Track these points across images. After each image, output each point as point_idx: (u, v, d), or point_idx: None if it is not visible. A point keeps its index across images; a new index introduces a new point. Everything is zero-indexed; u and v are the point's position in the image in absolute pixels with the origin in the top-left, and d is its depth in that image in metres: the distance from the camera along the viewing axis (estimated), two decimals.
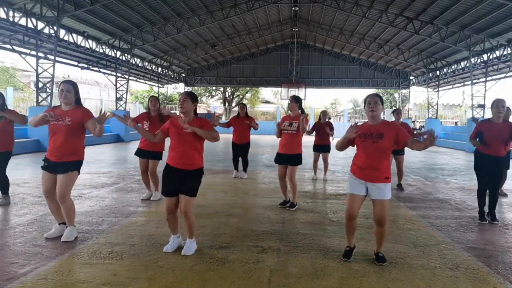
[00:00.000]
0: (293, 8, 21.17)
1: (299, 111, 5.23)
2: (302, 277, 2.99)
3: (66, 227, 3.76)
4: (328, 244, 3.80)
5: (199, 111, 40.19)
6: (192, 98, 3.47)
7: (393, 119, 6.93)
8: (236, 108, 41.83)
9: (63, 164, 3.63)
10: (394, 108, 6.95)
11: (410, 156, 13.96)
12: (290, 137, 5.17)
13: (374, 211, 3.27)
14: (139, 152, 5.64)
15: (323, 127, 7.75)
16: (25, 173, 7.69)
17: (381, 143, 3.16)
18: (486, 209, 4.89)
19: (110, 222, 4.39)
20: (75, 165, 3.71)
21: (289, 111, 5.47)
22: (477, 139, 4.85)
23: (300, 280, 2.93)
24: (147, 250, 3.49)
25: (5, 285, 2.73)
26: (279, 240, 3.87)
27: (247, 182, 7.55)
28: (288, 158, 5.20)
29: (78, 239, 3.74)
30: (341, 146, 3.44)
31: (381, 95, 3.23)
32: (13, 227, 4.10)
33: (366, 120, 3.42)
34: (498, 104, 4.59)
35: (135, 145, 17.46)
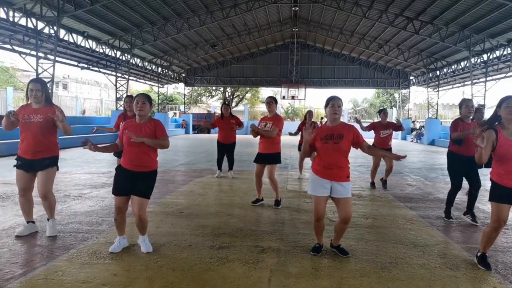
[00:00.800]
0: (293, 8, 21.18)
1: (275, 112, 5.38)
2: (302, 277, 2.99)
3: (48, 219, 3.86)
4: (328, 244, 3.79)
5: (199, 111, 40.35)
6: (149, 100, 3.50)
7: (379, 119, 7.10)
8: (236, 108, 42.03)
9: (40, 161, 3.68)
10: (380, 108, 7.02)
11: (411, 156, 13.97)
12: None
13: (341, 210, 3.32)
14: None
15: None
16: None
17: (342, 144, 3.28)
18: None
19: (110, 222, 4.38)
20: (53, 161, 3.78)
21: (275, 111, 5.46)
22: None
23: (300, 280, 2.93)
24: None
25: (5, 285, 2.73)
26: (279, 240, 3.87)
27: (247, 182, 7.54)
28: (266, 157, 5.30)
29: (78, 239, 3.74)
30: (305, 152, 3.52)
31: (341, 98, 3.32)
32: (13, 227, 4.10)
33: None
34: (468, 104, 4.64)
35: None
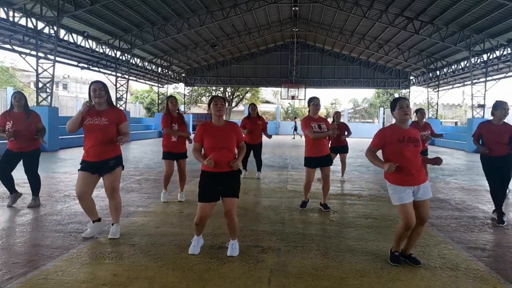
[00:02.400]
0: (293, 8, 21.18)
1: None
2: (302, 277, 2.99)
3: (112, 224, 3.84)
4: (328, 244, 3.80)
5: (199, 111, 40.35)
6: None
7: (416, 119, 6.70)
8: (236, 108, 41.99)
9: (105, 162, 3.70)
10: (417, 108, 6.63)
11: None
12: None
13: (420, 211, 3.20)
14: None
15: (339, 129, 7.72)
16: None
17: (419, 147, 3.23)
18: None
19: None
20: (118, 161, 3.84)
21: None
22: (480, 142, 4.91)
23: (300, 280, 2.93)
24: (147, 250, 3.49)
25: (5, 285, 2.73)
26: (279, 240, 3.87)
27: (247, 182, 7.54)
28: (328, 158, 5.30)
29: (78, 239, 3.74)
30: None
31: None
32: (13, 227, 4.10)
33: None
34: (505, 107, 4.66)
35: (135, 145, 17.47)
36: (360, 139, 23.71)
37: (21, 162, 5.03)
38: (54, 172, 8.17)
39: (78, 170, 3.70)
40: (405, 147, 3.13)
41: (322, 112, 32.91)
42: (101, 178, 3.77)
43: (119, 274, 2.95)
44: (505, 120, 4.83)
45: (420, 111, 6.72)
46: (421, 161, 3.22)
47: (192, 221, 3.73)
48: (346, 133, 7.92)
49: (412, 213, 3.11)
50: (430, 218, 4.94)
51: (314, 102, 5.10)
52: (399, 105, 3.20)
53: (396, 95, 37.15)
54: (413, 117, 6.79)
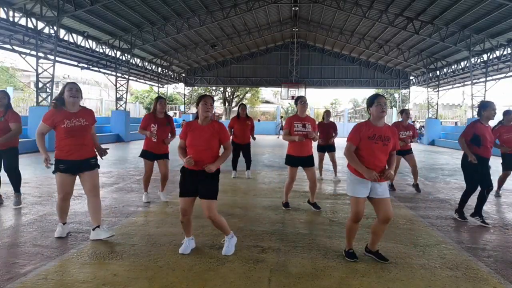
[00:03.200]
0: (293, 8, 21.18)
1: None
2: (302, 277, 2.99)
3: (98, 227, 3.76)
4: (328, 244, 3.80)
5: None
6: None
7: (401, 119, 6.76)
8: (236, 108, 41.89)
9: (86, 161, 3.72)
10: (402, 108, 6.61)
11: None
12: None
13: (379, 210, 3.27)
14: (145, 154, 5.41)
15: (326, 128, 7.75)
16: (25, 173, 7.66)
17: (389, 146, 3.28)
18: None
19: (110, 222, 4.38)
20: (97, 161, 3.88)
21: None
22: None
23: (300, 280, 2.93)
24: (147, 250, 3.49)
25: (5, 285, 2.73)
26: (279, 240, 3.87)
27: (247, 182, 7.55)
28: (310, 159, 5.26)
29: (78, 239, 3.74)
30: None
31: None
32: (13, 227, 4.10)
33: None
34: (494, 107, 4.64)
35: (135, 145, 17.46)
36: None
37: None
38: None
39: (55, 172, 3.66)
40: (373, 145, 3.16)
41: (320, 112, 32.86)
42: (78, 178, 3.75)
43: (119, 274, 2.95)
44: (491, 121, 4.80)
45: (405, 112, 6.83)
46: (386, 162, 3.25)
47: (193, 221, 3.72)
48: (333, 134, 7.93)
49: (361, 208, 3.23)
50: (430, 218, 4.96)
51: (301, 101, 5.10)
52: (377, 101, 3.20)
53: (396, 95, 37.14)
54: (398, 117, 6.87)
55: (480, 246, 3.86)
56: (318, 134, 6.85)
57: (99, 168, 3.88)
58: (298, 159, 5.06)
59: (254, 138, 8.05)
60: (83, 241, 3.69)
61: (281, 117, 32.94)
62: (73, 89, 3.67)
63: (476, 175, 4.72)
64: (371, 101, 3.26)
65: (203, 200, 3.33)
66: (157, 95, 29.52)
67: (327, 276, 3.02)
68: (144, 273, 3.00)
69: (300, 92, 28.04)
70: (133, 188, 6.62)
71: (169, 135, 5.47)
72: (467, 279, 3.02)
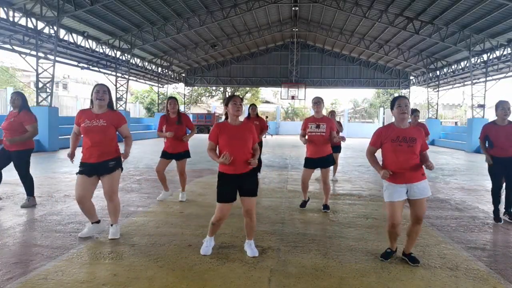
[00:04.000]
0: (293, 8, 21.17)
1: None
2: (302, 277, 2.99)
3: (111, 225, 3.82)
4: (328, 244, 3.80)
5: (199, 111, 40.34)
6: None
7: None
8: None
9: (104, 164, 3.67)
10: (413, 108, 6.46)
11: None
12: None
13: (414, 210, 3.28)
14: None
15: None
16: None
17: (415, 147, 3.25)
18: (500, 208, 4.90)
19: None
20: (118, 163, 3.80)
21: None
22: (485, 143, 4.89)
23: (300, 280, 2.93)
24: (147, 250, 3.49)
25: (5, 285, 2.73)
26: (279, 240, 3.87)
27: None
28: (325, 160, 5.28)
29: (78, 239, 3.74)
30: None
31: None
32: (13, 227, 4.10)
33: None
34: (504, 107, 4.61)
35: (135, 145, 17.43)
36: (360, 139, 23.76)
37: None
38: (54, 172, 8.17)
39: (76, 173, 3.68)
40: (397, 147, 3.17)
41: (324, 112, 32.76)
42: (100, 181, 3.74)
43: (119, 274, 2.95)
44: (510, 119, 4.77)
45: (414, 113, 6.68)
46: (419, 161, 3.23)
47: (193, 221, 3.77)
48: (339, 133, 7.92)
49: (397, 213, 3.20)
50: (430, 218, 4.95)
51: (313, 101, 5.11)
52: (397, 103, 3.22)
53: (396, 95, 37.15)
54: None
55: (480, 246, 3.85)
56: (338, 134, 6.70)
57: (121, 170, 3.83)
58: (314, 161, 5.07)
59: (259, 139, 7.99)
60: (83, 241, 3.69)
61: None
62: (100, 91, 3.66)
63: (493, 174, 4.85)
64: (392, 103, 3.28)
65: (245, 198, 3.34)
66: (156, 95, 29.53)
67: (327, 276, 3.02)
68: (144, 273, 2.99)
69: (300, 92, 28.02)
70: (133, 188, 6.62)
71: (188, 131, 5.54)
72: (467, 279, 3.02)
